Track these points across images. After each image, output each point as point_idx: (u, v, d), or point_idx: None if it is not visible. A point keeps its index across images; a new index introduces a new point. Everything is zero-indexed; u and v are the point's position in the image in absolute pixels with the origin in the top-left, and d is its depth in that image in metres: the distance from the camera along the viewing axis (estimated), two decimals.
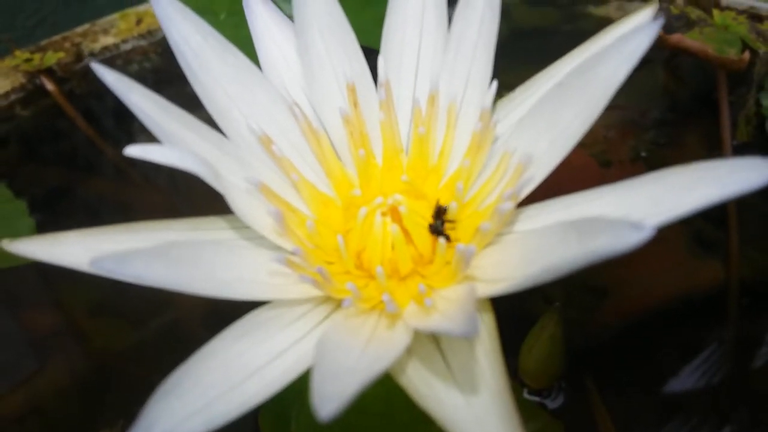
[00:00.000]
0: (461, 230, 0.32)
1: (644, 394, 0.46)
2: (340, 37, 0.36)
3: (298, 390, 0.46)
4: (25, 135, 0.76)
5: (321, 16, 0.36)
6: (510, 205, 0.29)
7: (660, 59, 0.78)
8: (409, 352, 0.28)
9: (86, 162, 0.74)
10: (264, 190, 0.32)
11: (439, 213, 0.32)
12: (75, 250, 0.30)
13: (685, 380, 0.46)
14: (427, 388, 0.27)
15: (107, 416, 0.47)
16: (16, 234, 0.61)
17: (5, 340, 0.56)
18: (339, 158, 0.36)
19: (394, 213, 0.32)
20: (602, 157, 0.67)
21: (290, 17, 0.37)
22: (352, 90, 0.35)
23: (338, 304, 0.31)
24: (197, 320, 0.54)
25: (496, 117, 0.34)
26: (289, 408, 0.46)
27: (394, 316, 0.29)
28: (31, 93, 0.79)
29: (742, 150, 0.63)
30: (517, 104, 0.36)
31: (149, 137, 0.71)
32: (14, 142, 0.76)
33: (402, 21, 0.37)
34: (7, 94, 0.77)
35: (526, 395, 0.46)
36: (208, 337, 0.28)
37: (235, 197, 0.30)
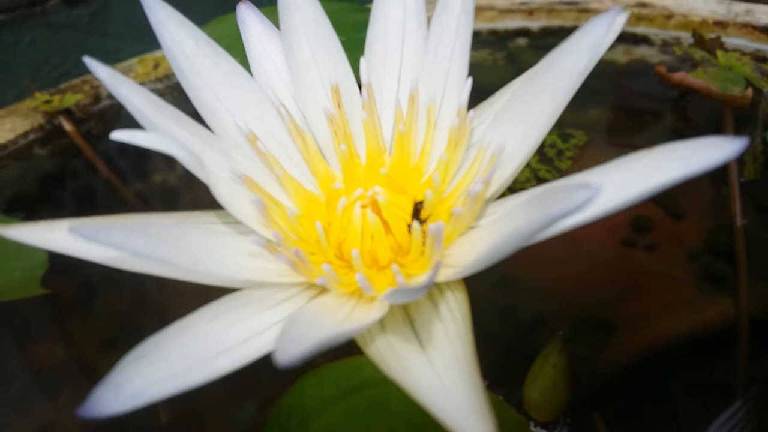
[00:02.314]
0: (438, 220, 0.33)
1: (651, 430, 0.45)
2: (324, 42, 0.38)
3: (300, 418, 0.46)
4: (43, 174, 0.78)
5: (306, 21, 0.38)
6: (480, 187, 0.29)
7: (668, 101, 0.78)
8: (384, 329, 0.28)
9: (102, 201, 0.75)
10: (247, 181, 0.33)
11: (417, 211, 0.33)
12: (66, 235, 0.31)
13: (693, 418, 0.45)
14: (398, 361, 0.27)
15: None
16: (29, 267, 0.62)
17: (14, 373, 0.57)
18: (324, 157, 0.37)
19: (374, 206, 0.33)
20: None
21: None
22: (336, 91, 0.36)
23: (319, 292, 0.31)
24: None
25: (478, 120, 0.35)
26: None
27: (370, 300, 0.30)
28: (49, 133, 0.81)
29: (749, 187, 0.63)
30: (497, 107, 0.37)
31: (165, 174, 0.73)
32: (31, 180, 0.77)
33: (384, 28, 0.39)
34: (26, 134, 0.79)
35: (532, 428, 0.46)
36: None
37: (219, 186, 0.31)
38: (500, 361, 0.49)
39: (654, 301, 0.56)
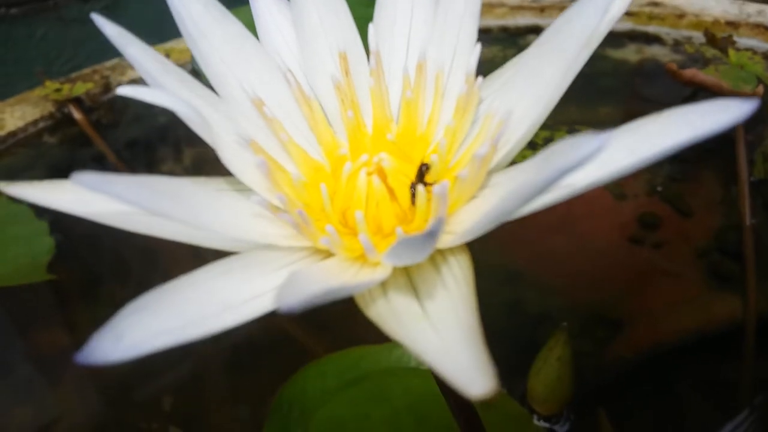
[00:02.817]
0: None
1: (656, 428, 0.45)
2: (333, 8, 0.38)
3: (301, 409, 0.46)
4: (51, 161, 0.78)
5: None
6: (486, 150, 0.29)
7: (678, 98, 0.78)
8: (386, 293, 0.28)
9: None
10: (253, 145, 0.33)
11: (422, 174, 0.32)
12: (71, 196, 0.31)
13: (698, 416, 0.45)
14: (399, 324, 0.27)
15: None
16: (36, 253, 0.62)
17: (18, 358, 0.57)
18: (330, 125, 0.37)
19: (380, 173, 0.33)
20: (617, 190, 0.67)
21: None
22: (344, 58, 0.36)
23: (324, 257, 0.31)
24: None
25: (487, 91, 0.35)
26: (295, 427, 0.46)
27: (375, 264, 0.29)
28: (59, 121, 0.81)
29: (759, 186, 0.63)
30: (506, 77, 0.36)
31: (173, 164, 0.73)
32: (40, 167, 0.78)
33: None
34: (35, 122, 0.80)
35: (536, 422, 0.45)
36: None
37: (224, 148, 0.30)
38: (504, 355, 0.49)
39: (661, 298, 0.56)
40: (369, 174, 0.32)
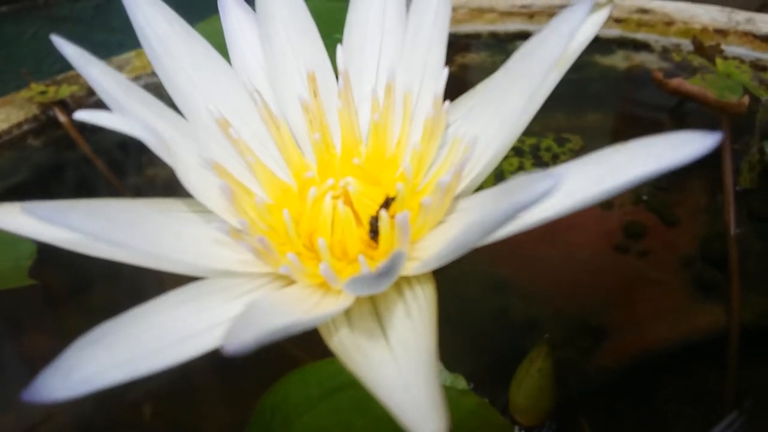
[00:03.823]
0: (411, 214, 0.32)
1: None
2: (302, 28, 0.37)
3: (285, 416, 0.46)
4: (36, 164, 0.78)
5: (284, 7, 0.37)
6: (450, 178, 0.29)
7: (666, 109, 0.78)
8: (350, 322, 0.28)
9: (94, 193, 0.75)
10: (216, 167, 0.32)
11: (387, 204, 0.32)
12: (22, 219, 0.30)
13: (681, 426, 0.45)
14: (361, 355, 0.27)
15: None
16: (18, 257, 0.62)
17: (3, 363, 0.56)
18: (299, 147, 0.37)
19: (346, 197, 0.32)
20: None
21: None
22: (312, 79, 0.36)
23: (287, 283, 0.31)
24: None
25: (456, 114, 0.35)
26: None
27: (338, 292, 0.29)
28: (43, 124, 0.81)
29: (744, 196, 0.63)
30: (475, 100, 0.36)
31: (159, 169, 0.73)
32: (24, 171, 0.77)
33: (364, 16, 0.38)
34: (20, 124, 0.79)
35: None
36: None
37: (186, 171, 0.30)
38: (489, 363, 0.49)
39: (645, 307, 0.55)
40: (335, 198, 0.32)
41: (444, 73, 0.33)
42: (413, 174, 0.32)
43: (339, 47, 0.37)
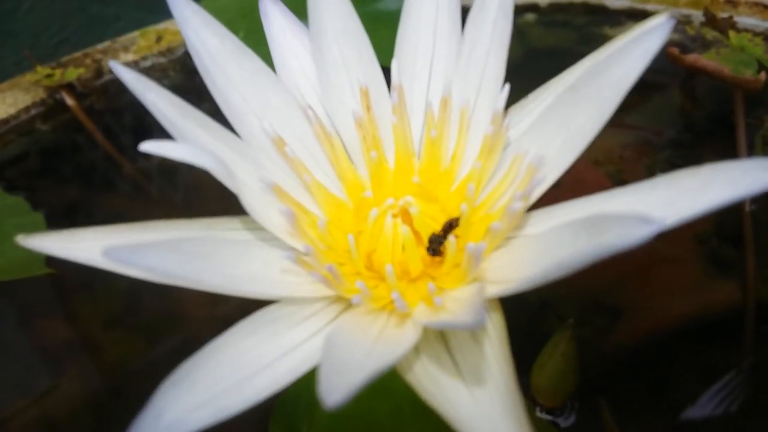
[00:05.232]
0: (472, 232, 0.32)
1: (657, 416, 0.46)
2: (354, 42, 0.37)
3: (308, 403, 0.46)
4: (45, 149, 0.77)
5: (336, 20, 0.37)
6: (520, 204, 0.29)
7: (677, 80, 0.78)
8: (418, 351, 0.28)
9: (104, 177, 0.74)
10: (276, 190, 0.32)
11: (450, 227, 0.32)
12: (90, 245, 0.30)
13: (699, 403, 0.45)
14: (435, 386, 0.27)
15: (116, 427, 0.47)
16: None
17: (19, 351, 0.56)
18: (351, 162, 0.37)
19: (405, 215, 0.32)
20: (617, 176, 0.67)
21: (303, 20, 0.38)
22: (365, 94, 0.36)
23: (348, 304, 0.31)
24: (211, 336, 0.54)
25: (508, 122, 0.34)
26: (300, 422, 0.46)
27: (403, 315, 0.29)
28: (51, 108, 0.79)
29: None
30: (529, 110, 0.36)
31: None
32: (33, 156, 0.76)
33: (415, 27, 0.37)
34: (27, 109, 0.78)
35: (538, 413, 0.46)
36: None
37: (248, 196, 0.30)
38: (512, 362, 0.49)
39: (661, 284, 0.56)
40: (395, 217, 0.32)
41: (505, 89, 0.33)
42: (474, 192, 0.32)
43: (393, 60, 0.36)
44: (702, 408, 0.45)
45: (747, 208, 0.59)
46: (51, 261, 0.59)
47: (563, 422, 0.45)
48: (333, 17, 0.37)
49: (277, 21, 0.38)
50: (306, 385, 0.48)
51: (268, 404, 0.47)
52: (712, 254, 0.57)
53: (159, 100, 0.30)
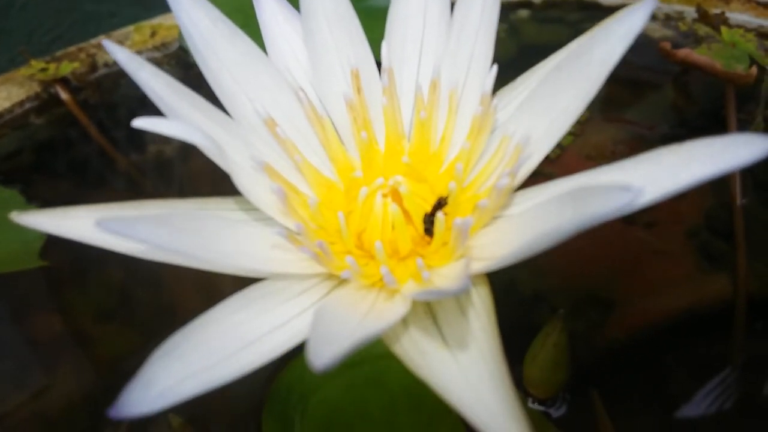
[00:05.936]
0: (461, 211, 0.33)
1: (648, 408, 0.46)
2: (345, 24, 0.37)
3: (300, 393, 0.46)
4: (39, 143, 0.77)
5: (327, 3, 0.37)
6: (507, 181, 0.29)
7: (670, 77, 0.78)
8: (406, 324, 0.28)
9: (98, 171, 0.74)
10: (267, 169, 0.32)
11: (439, 205, 0.32)
12: (83, 223, 0.30)
13: (690, 395, 0.46)
14: (422, 356, 0.27)
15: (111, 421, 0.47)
16: (26, 240, 0.62)
17: (12, 344, 0.56)
18: (342, 143, 0.37)
19: (395, 195, 0.33)
20: None
21: (297, 8, 0.38)
22: (356, 75, 0.36)
23: (339, 282, 0.31)
24: None
25: (497, 103, 0.35)
26: (293, 411, 0.46)
27: (392, 291, 0.30)
28: (45, 102, 0.80)
29: (750, 166, 0.64)
30: (518, 92, 0.36)
31: (161, 147, 0.72)
32: (28, 150, 0.76)
33: (405, 10, 0.38)
34: (21, 103, 0.78)
35: (530, 404, 0.46)
36: None
37: (240, 175, 0.30)
38: (501, 336, 0.50)
39: (652, 278, 0.56)
40: (384, 196, 0.32)
41: (493, 70, 0.33)
42: (462, 171, 0.33)
43: (383, 43, 0.37)
44: (693, 401, 0.45)
45: (738, 202, 0.60)
46: (45, 253, 0.59)
47: (555, 413, 0.45)
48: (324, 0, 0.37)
49: (269, 6, 0.38)
50: (299, 374, 0.48)
51: (261, 394, 0.47)
52: (703, 248, 0.57)
53: (152, 80, 0.30)
